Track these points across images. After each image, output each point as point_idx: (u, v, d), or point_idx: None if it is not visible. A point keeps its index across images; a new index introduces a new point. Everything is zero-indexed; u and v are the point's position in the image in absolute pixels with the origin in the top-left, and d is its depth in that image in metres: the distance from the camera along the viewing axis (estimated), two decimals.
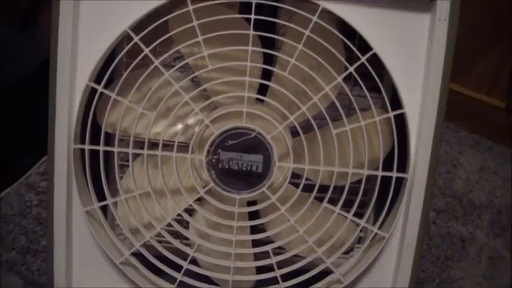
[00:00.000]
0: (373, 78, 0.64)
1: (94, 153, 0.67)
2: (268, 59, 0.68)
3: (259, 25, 0.63)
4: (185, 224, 0.71)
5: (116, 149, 0.66)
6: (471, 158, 1.30)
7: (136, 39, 0.62)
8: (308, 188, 0.68)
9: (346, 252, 0.77)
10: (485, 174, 1.27)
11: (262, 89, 0.68)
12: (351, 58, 0.64)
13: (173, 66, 0.65)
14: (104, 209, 0.70)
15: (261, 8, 0.63)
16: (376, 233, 0.69)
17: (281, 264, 0.68)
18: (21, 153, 1.15)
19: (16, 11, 1.22)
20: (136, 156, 0.71)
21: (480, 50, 1.33)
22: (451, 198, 1.20)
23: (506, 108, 1.34)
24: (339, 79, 0.64)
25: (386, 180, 0.67)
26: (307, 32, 0.62)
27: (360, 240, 0.80)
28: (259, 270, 0.71)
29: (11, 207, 1.07)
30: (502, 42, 1.30)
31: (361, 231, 0.75)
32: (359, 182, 0.67)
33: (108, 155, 0.71)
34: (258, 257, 0.71)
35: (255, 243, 0.71)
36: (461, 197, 1.21)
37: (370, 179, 0.76)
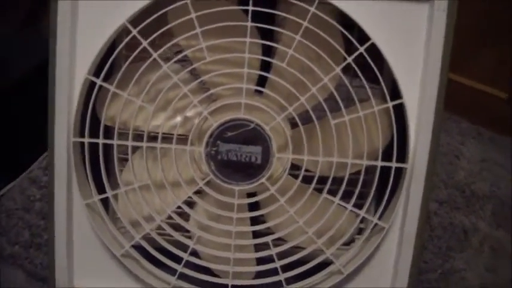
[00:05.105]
0: (373, 69, 0.64)
1: (94, 146, 0.67)
2: (267, 51, 0.68)
3: (258, 17, 0.63)
4: (185, 216, 0.71)
5: (115, 142, 0.66)
6: (473, 149, 1.30)
7: (134, 31, 0.62)
8: (308, 180, 0.68)
9: (347, 244, 0.77)
10: (487, 165, 1.26)
11: (262, 81, 0.68)
12: (351, 50, 0.64)
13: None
14: (105, 202, 0.70)
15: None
16: (376, 224, 0.69)
17: (281, 256, 0.69)
18: (23, 148, 1.16)
19: (19, 9, 1.23)
20: (136, 149, 0.71)
21: (483, 41, 1.32)
22: (453, 189, 1.19)
23: (508, 99, 1.34)
24: (337, 70, 0.63)
25: (386, 171, 0.67)
26: (305, 23, 0.62)
27: (360, 231, 0.80)
28: (260, 261, 0.71)
29: (14, 201, 1.08)
30: (504, 34, 1.29)
31: (361, 222, 0.75)
32: (359, 173, 0.67)
33: (108, 148, 0.71)
34: (258, 248, 0.71)
35: (256, 235, 0.71)
36: (463, 187, 1.20)
37: (370, 170, 0.76)
